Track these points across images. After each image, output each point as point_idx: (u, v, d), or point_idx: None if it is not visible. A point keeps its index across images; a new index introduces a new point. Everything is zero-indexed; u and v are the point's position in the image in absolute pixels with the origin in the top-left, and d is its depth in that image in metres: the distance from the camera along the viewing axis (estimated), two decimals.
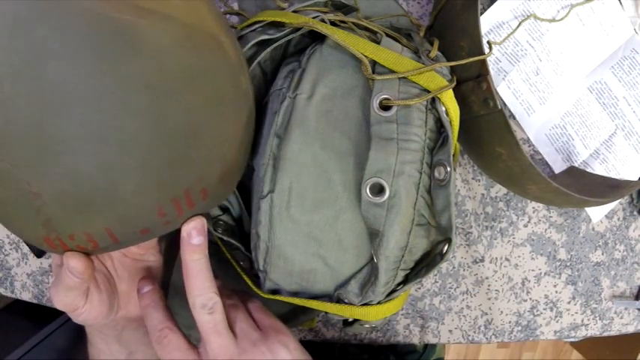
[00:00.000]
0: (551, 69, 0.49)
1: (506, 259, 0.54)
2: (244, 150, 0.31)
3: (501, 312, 0.56)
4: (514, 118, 0.50)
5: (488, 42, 0.36)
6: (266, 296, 0.35)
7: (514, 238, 0.54)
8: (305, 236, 0.32)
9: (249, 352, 0.31)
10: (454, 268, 0.54)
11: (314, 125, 0.32)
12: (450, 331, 0.56)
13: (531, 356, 1.48)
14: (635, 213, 0.55)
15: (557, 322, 0.57)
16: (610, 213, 0.54)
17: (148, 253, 0.36)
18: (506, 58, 0.49)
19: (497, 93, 0.36)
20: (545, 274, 0.55)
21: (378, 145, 0.30)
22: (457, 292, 0.54)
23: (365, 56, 0.32)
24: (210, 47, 0.27)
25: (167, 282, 0.40)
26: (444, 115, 0.32)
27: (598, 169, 0.52)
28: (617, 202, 0.54)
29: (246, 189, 0.38)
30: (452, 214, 0.31)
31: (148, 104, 0.24)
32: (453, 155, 0.34)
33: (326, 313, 0.34)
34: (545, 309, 0.56)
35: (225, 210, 0.38)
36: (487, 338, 0.56)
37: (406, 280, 0.34)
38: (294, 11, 0.36)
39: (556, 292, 0.56)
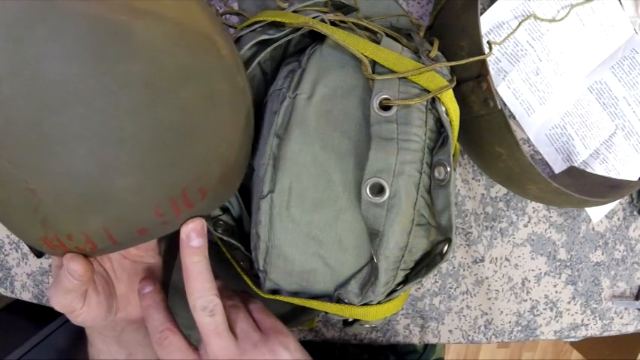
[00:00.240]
0: (551, 69, 0.49)
1: (506, 259, 0.54)
2: (244, 150, 0.31)
3: (501, 312, 0.56)
4: (514, 118, 0.50)
5: (488, 42, 0.36)
6: (266, 296, 0.35)
7: (514, 238, 0.54)
8: (305, 236, 0.32)
9: (250, 353, 0.31)
10: (454, 268, 0.54)
11: (314, 125, 0.32)
12: (450, 331, 0.56)
13: (531, 356, 1.48)
14: (635, 213, 0.55)
15: (557, 322, 0.57)
16: (610, 213, 0.54)
17: (148, 255, 0.36)
18: (506, 58, 0.49)
19: (497, 93, 0.36)
20: (545, 274, 0.55)
21: (378, 145, 0.30)
22: (457, 292, 0.54)
23: (365, 56, 0.32)
24: (205, 47, 0.28)
25: (167, 282, 0.40)
26: (444, 115, 0.32)
27: (598, 169, 0.52)
28: (617, 202, 0.54)
29: (246, 189, 0.38)
30: (452, 214, 0.31)
31: (145, 103, 0.25)
32: (453, 155, 0.34)
33: (326, 313, 0.34)
34: (545, 309, 0.56)
35: (225, 210, 0.38)
36: (487, 338, 0.56)
37: (406, 280, 0.34)
38: (294, 11, 0.36)
39: (556, 292, 0.56)
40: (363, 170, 0.31)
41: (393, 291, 0.33)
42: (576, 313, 0.57)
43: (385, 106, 0.31)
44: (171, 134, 0.26)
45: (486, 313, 0.55)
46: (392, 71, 0.32)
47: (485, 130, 0.38)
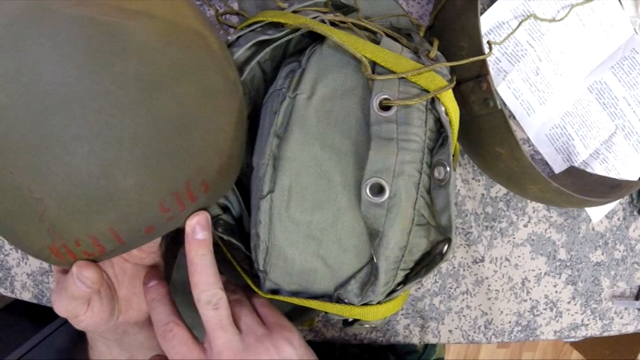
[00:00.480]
0: (551, 69, 0.49)
1: (506, 259, 0.54)
2: (239, 142, 0.32)
3: (501, 312, 0.56)
4: (514, 118, 0.50)
5: (488, 42, 0.36)
6: (266, 296, 0.35)
7: (514, 238, 0.54)
8: (305, 236, 0.32)
9: (254, 348, 0.31)
10: (454, 268, 0.54)
11: (314, 125, 0.32)
12: (450, 331, 0.56)
13: (531, 356, 1.48)
14: (635, 213, 0.55)
15: (557, 322, 0.57)
16: (610, 213, 0.54)
17: (149, 257, 0.36)
18: (506, 58, 0.49)
19: (497, 93, 0.36)
20: (545, 274, 0.55)
21: (378, 145, 0.30)
22: (457, 292, 0.54)
23: (364, 56, 0.32)
24: (196, 42, 0.28)
25: (167, 281, 0.40)
26: (444, 115, 0.32)
27: (598, 169, 0.52)
28: (617, 202, 0.54)
29: (246, 189, 0.38)
30: (452, 214, 0.31)
31: (142, 100, 0.25)
32: (453, 155, 0.34)
33: (326, 313, 0.34)
34: (545, 309, 0.56)
35: (225, 209, 0.38)
36: (487, 338, 0.56)
37: (406, 280, 0.34)
38: (293, 11, 0.36)
39: (556, 292, 0.56)
40: (363, 170, 0.31)
41: (393, 291, 0.33)
42: (576, 313, 0.57)
43: (385, 106, 0.31)
44: (170, 129, 0.26)
45: (486, 313, 0.55)
46: (392, 71, 0.32)
47: (485, 130, 0.38)
